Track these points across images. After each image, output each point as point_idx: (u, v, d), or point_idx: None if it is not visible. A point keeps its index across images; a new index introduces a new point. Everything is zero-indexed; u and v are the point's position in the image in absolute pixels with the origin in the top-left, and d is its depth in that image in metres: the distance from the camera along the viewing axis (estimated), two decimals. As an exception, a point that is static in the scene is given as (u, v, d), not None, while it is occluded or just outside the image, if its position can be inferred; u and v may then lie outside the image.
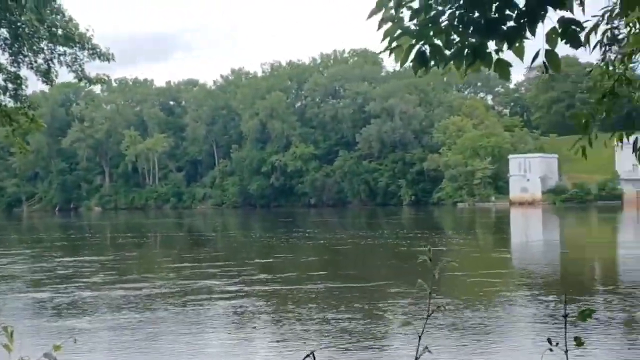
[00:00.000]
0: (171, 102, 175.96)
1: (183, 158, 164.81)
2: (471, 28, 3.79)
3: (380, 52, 4.00)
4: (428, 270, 3.93)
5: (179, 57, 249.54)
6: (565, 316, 4.09)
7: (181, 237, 72.20)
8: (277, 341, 20.16)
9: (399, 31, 3.83)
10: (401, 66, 3.98)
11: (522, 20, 3.70)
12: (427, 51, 3.84)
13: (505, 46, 3.81)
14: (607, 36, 5.50)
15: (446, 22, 3.77)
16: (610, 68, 5.86)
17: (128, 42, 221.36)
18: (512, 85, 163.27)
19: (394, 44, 3.82)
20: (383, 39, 3.89)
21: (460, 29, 3.81)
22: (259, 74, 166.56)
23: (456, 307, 23.40)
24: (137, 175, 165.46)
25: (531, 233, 69.69)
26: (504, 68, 3.91)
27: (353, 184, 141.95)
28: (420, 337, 4.07)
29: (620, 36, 5.72)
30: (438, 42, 3.82)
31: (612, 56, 5.85)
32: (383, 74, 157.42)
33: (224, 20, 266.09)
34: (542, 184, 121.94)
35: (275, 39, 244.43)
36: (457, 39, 3.84)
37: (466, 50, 3.85)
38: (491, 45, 3.84)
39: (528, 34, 3.71)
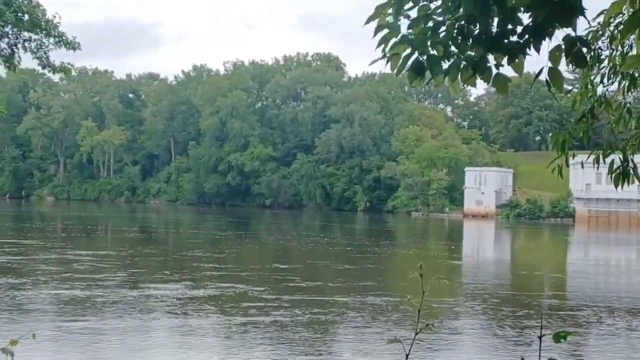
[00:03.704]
0: (131, 95, 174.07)
1: (140, 152, 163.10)
2: (471, 41, 3.76)
3: (374, 61, 3.94)
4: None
5: (141, 51, 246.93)
6: (541, 337, 4.10)
7: (133, 232, 71.44)
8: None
9: (394, 40, 3.79)
10: (397, 75, 3.93)
11: (526, 36, 3.68)
12: (424, 61, 3.79)
13: (504, 61, 3.79)
14: (590, 56, 5.54)
15: (445, 33, 3.74)
16: (589, 88, 5.91)
17: (89, 31, 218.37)
18: (472, 99, 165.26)
19: (392, 52, 3.77)
20: (378, 46, 3.83)
21: (460, 41, 3.77)
22: (222, 72, 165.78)
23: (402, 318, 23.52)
24: (92, 166, 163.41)
25: (484, 246, 70.44)
26: (503, 83, 3.88)
27: (309, 188, 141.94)
28: (407, 355, 4.04)
29: (602, 56, 5.77)
30: (435, 52, 3.78)
31: (592, 77, 5.90)
32: (345, 79, 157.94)
33: (187, 16, 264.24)
34: (496, 198, 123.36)
35: (238, 38, 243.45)
36: (456, 50, 3.80)
37: (464, 63, 3.82)
38: (490, 58, 3.82)
39: (531, 50, 3.69)
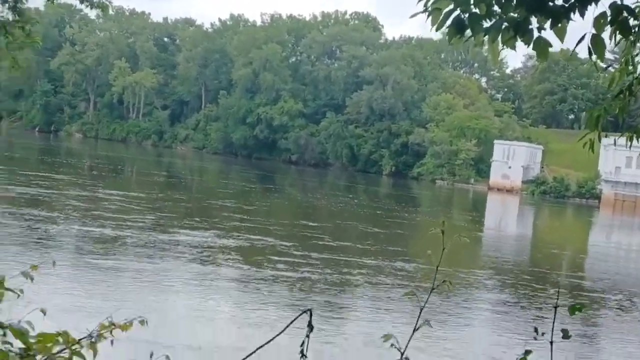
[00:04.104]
0: (165, 39, 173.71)
1: (170, 97, 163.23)
2: (515, 1, 3.65)
3: (414, 14, 3.83)
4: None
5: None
6: (556, 307, 4.00)
7: (162, 176, 71.86)
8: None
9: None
10: (437, 30, 3.79)
11: (572, 0, 3.58)
12: (466, 19, 3.68)
13: (546, 24, 3.69)
14: (634, 31, 5.35)
15: (489, -9, 3.65)
16: (630, 67, 5.73)
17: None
18: (508, 71, 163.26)
19: (434, 7, 3.67)
20: (419, 0, 3.73)
21: (503, 1, 3.66)
22: (258, 23, 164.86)
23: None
24: (122, 107, 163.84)
25: (507, 220, 70.15)
26: (543, 47, 3.76)
27: (336, 147, 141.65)
28: (421, 309, 3.99)
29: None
30: (477, 11, 3.67)
31: (634, 53, 5.70)
32: (381, 41, 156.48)
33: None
34: (523, 173, 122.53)
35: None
36: (499, 10, 3.70)
37: (506, 23, 3.72)
38: (532, 21, 3.72)
39: (575, 15, 3.61)
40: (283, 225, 38.16)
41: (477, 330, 19.59)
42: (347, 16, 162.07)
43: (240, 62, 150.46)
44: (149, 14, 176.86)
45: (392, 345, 3.27)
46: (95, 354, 4.31)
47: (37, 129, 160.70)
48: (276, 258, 25.83)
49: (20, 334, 4.21)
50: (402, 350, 3.32)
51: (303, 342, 3.24)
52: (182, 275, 21.39)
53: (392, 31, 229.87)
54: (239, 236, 30.42)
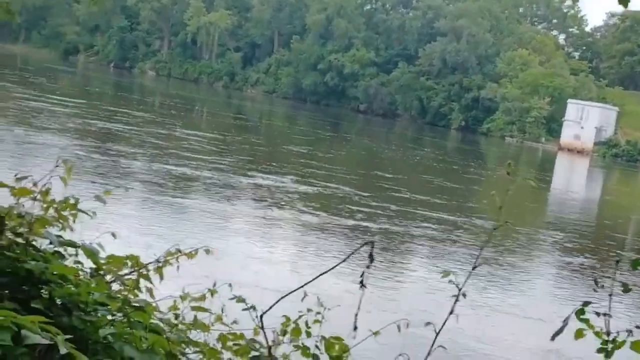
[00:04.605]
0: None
1: (243, 39, 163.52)
2: None
3: None
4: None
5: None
6: (617, 262, 3.99)
7: (237, 118, 72.53)
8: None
9: None
10: None
11: None
12: None
13: None
14: None
15: None
16: None
17: None
18: (587, 29, 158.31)
19: None
20: None
21: None
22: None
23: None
24: (195, 47, 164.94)
25: (575, 181, 68.93)
26: None
27: (406, 98, 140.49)
28: (481, 249, 4.03)
29: None
30: None
31: None
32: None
33: None
34: (595, 135, 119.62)
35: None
36: None
37: None
38: None
39: None
40: (359, 174, 38.34)
41: (539, 283, 19.57)
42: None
43: (315, 8, 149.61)
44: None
45: (450, 281, 3.36)
46: (161, 278, 4.53)
47: (112, 64, 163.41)
48: (354, 208, 26.01)
49: (92, 254, 4.47)
50: (460, 287, 3.41)
51: (363, 273, 3.37)
52: (255, 219, 21.78)
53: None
54: (316, 183, 30.65)
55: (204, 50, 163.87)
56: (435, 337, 3.44)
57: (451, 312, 3.46)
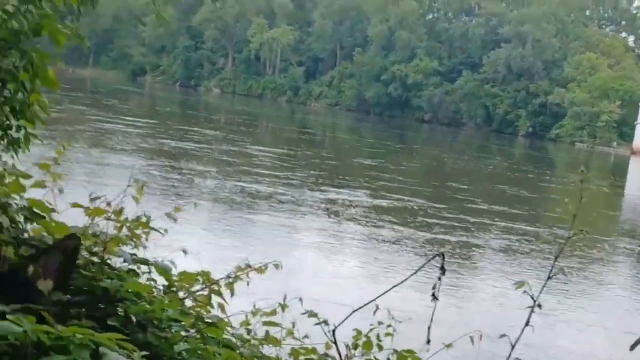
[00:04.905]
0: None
1: (305, 53, 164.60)
2: None
3: None
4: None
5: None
6: None
7: (305, 132, 72.96)
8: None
9: None
10: None
11: None
12: None
13: None
14: None
15: None
16: None
17: None
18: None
19: None
20: None
21: None
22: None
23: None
24: (259, 63, 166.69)
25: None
26: None
27: (471, 107, 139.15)
28: (556, 257, 3.93)
29: None
30: None
31: None
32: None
33: None
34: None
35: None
36: None
37: None
38: None
39: None
40: (432, 186, 38.02)
41: (616, 293, 19.08)
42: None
43: (376, 19, 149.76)
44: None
45: (524, 292, 3.31)
46: (232, 294, 4.56)
47: (177, 83, 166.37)
48: (430, 220, 25.80)
49: (164, 271, 4.54)
50: (535, 298, 3.35)
51: (435, 285, 3.34)
52: (328, 233, 21.79)
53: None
54: (389, 196, 30.47)
55: (267, 66, 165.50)
56: (512, 350, 3.38)
57: (527, 324, 3.40)
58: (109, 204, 4.48)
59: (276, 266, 4.66)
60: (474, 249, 21.72)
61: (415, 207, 28.14)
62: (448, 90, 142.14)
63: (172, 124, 55.59)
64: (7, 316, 3.05)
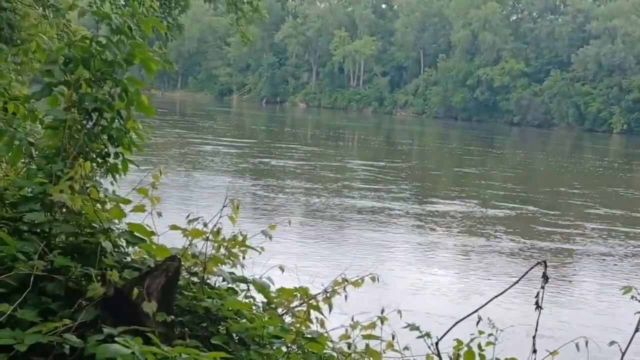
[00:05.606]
0: (383, 6, 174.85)
1: (389, 63, 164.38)
2: None
3: None
4: None
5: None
6: None
7: (399, 143, 72.67)
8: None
9: None
10: None
11: None
12: None
13: None
14: None
15: None
16: None
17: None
18: None
19: None
20: None
21: None
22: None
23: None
24: (343, 76, 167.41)
25: None
26: None
27: (561, 106, 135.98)
28: None
29: None
30: None
31: None
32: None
33: None
34: None
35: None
36: None
37: None
38: None
39: None
40: (542, 192, 37.09)
41: None
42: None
43: (459, 24, 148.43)
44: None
45: (632, 297, 3.20)
46: (330, 308, 4.58)
47: (264, 101, 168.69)
48: (546, 229, 25.12)
49: (263, 288, 4.58)
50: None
51: (538, 293, 3.26)
52: (450, 248, 21.54)
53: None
54: (500, 205, 29.74)
55: (352, 77, 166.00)
56: (622, 358, 3.26)
57: (637, 330, 3.28)
58: (205, 224, 4.57)
59: (373, 279, 4.64)
60: (594, 256, 20.97)
61: (527, 215, 27.38)
62: (536, 91, 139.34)
63: (270, 142, 56.37)
64: (116, 339, 3.15)
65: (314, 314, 4.57)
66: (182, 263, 4.12)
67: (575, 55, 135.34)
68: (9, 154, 4.86)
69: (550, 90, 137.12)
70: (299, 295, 4.66)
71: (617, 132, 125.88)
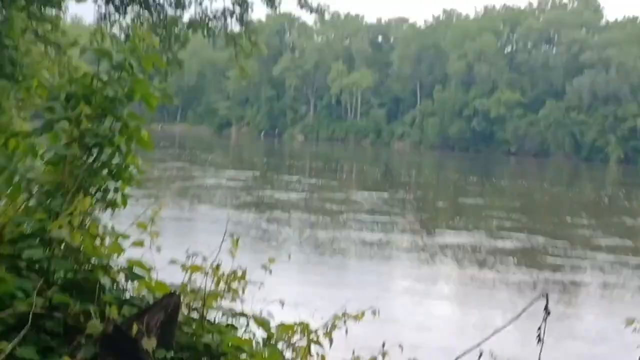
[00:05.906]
0: (380, 39, 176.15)
1: (386, 95, 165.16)
2: None
3: None
4: None
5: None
6: None
7: (402, 175, 72.78)
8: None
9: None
10: None
11: None
12: None
13: None
14: None
15: None
16: None
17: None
18: None
19: None
20: None
21: None
22: (471, 16, 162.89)
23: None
24: (340, 108, 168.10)
25: None
26: None
27: (557, 136, 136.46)
28: None
29: None
30: None
31: None
32: (603, 23, 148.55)
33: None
34: None
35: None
36: None
37: None
38: None
39: None
40: (547, 222, 36.87)
41: None
42: (565, 0, 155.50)
43: (455, 56, 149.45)
44: (363, 16, 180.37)
45: (635, 329, 3.17)
46: (331, 343, 4.54)
47: (262, 133, 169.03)
48: (554, 260, 24.91)
49: (263, 323, 4.55)
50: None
51: (539, 327, 3.23)
52: (456, 280, 21.39)
53: (614, 11, 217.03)
54: (506, 237, 29.53)
55: (349, 109, 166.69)
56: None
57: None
58: (205, 259, 4.56)
59: (374, 313, 4.62)
60: (600, 287, 20.77)
61: (533, 245, 27.21)
62: (533, 121, 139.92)
63: (272, 174, 56.36)
64: (116, 376, 3.12)
65: (314, 348, 4.54)
66: (182, 298, 4.10)
67: (569, 85, 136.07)
68: (9, 191, 4.86)
69: (546, 119, 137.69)
70: (299, 329, 4.63)
71: (613, 161, 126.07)
